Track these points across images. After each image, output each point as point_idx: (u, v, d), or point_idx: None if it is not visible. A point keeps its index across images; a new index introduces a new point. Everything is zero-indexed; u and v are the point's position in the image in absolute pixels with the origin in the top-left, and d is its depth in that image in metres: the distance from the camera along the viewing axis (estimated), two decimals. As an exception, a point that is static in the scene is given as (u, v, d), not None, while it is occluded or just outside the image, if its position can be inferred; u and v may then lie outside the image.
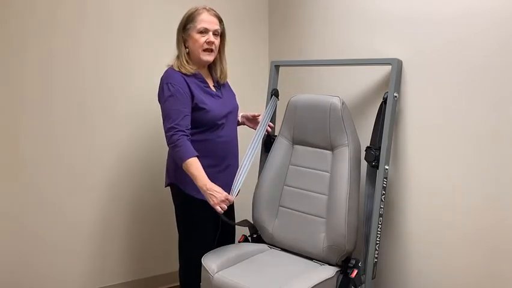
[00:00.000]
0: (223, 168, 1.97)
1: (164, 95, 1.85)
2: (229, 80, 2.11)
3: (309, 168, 2.04)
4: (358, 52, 2.17)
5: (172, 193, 2.02)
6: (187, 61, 1.92)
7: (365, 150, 1.96)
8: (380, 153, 1.92)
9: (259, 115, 2.19)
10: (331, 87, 2.32)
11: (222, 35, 1.98)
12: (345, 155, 1.92)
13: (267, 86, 2.38)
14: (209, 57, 1.93)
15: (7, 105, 2.13)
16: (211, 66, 2.03)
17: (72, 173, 2.31)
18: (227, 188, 1.89)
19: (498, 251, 1.68)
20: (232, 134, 2.03)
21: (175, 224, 2.04)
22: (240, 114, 2.16)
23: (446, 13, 1.79)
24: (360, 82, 2.17)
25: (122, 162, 2.44)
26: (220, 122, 1.94)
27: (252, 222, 2.16)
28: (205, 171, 1.89)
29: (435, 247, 1.89)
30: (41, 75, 2.19)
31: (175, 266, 2.12)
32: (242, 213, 2.27)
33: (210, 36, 1.90)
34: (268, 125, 2.21)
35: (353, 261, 1.89)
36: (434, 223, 1.89)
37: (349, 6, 2.21)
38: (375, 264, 1.93)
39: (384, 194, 1.92)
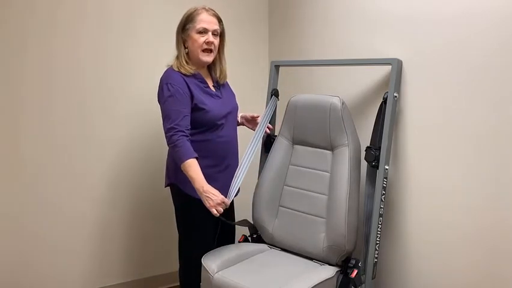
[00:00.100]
0: (223, 168, 1.97)
1: (164, 96, 1.85)
2: (229, 80, 2.11)
3: (309, 168, 2.04)
4: (358, 52, 2.17)
5: (172, 193, 2.02)
6: (186, 61, 1.92)
7: (365, 150, 1.96)
8: (380, 153, 1.92)
9: (258, 116, 2.19)
10: (331, 87, 2.32)
11: (221, 35, 1.98)
12: (345, 155, 1.92)
13: (267, 86, 2.38)
14: (208, 58, 1.93)
15: (7, 105, 2.13)
16: (210, 66, 2.03)
17: (72, 173, 2.31)
18: (227, 188, 1.89)
19: (498, 251, 1.69)
20: (232, 134, 2.03)
21: (175, 224, 2.04)
22: (239, 114, 2.16)
23: (446, 13, 1.79)
24: (360, 82, 2.17)
25: (122, 162, 2.44)
26: (219, 122, 1.93)
27: (252, 222, 2.16)
28: (205, 172, 1.89)
29: (435, 247, 1.89)
30: (41, 75, 2.19)
31: (175, 266, 2.12)
32: (242, 213, 2.27)
33: (209, 37, 1.90)
34: (267, 127, 2.21)
35: (353, 261, 1.89)
36: (434, 223, 1.89)
37: (349, 6, 2.21)
38: (375, 264, 1.93)
39: (384, 194, 1.92)
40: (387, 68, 2.00)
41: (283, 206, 2.09)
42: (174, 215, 2.04)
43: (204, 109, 1.88)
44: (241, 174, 1.92)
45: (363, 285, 1.90)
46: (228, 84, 2.11)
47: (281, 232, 2.07)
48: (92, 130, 2.33)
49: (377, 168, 1.93)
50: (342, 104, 1.95)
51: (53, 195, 2.27)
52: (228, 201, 1.81)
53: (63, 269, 2.34)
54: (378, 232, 1.92)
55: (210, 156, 1.93)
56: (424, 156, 1.91)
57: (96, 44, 2.30)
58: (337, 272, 1.85)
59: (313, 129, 2.02)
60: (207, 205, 1.77)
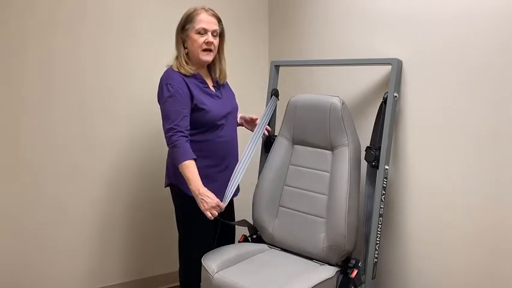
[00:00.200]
0: (223, 169, 1.97)
1: (163, 96, 1.86)
2: (229, 80, 2.11)
3: (309, 168, 2.04)
4: (358, 52, 2.17)
5: (172, 193, 2.02)
6: (186, 62, 1.92)
7: (365, 150, 1.96)
8: (380, 153, 1.92)
9: (257, 118, 2.18)
10: (331, 87, 2.32)
11: (221, 35, 1.98)
12: (345, 155, 1.92)
13: (267, 86, 2.38)
14: (208, 57, 1.93)
15: (7, 105, 2.13)
16: (210, 67, 2.03)
17: (72, 173, 2.31)
18: (226, 188, 1.89)
19: (498, 251, 1.69)
20: (232, 134, 2.03)
21: (175, 224, 2.04)
22: (239, 115, 2.16)
23: (446, 13, 1.79)
24: (360, 82, 2.17)
25: (122, 162, 2.44)
26: (219, 123, 1.93)
27: (251, 222, 2.15)
28: (205, 172, 1.90)
29: (435, 247, 1.89)
30: (41, 75, 2.19)
31: (175, 266, 2.11)
32: (242, 213, 2.27)
33: (209, 37, 1.90)
34: (266, 129, 2.21)
35: (353, 261, 1.89)
36: (434, 223, 1.89)
37: (349, 6, 2.21)
38: (375, 264, 1.93)
39: (384, 194, 1.92)
40: (387, 68, 2.00)
41: (283, 206, 2.09)
42: (174, 215, 2.04)
43: (203, 109, 1.88)
44: (237, 177, 1.92)
45: (363, 285, 1.90)
46: (228, 84, 2.11)
47: (281, 232, 2.07)
48: (92, 130, 2.33)
49: (377, 168, 1.93)
50: (342, 104, 1.95)
51: (53, 195, 2.27)
52: (223, 204, 1.81)
53: (63, 268, 2.34)
54: (378, 232, 1.92)
55: (210, 156, 1.93)
56: (424, 156, 1.91)
57: (96, 44, 2.30)
58: (337, 272, 1.85)
59: (313, 129, 2.02)
60: (202, 208, 1.77)
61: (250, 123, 2.21)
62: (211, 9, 1.94)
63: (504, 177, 1.65)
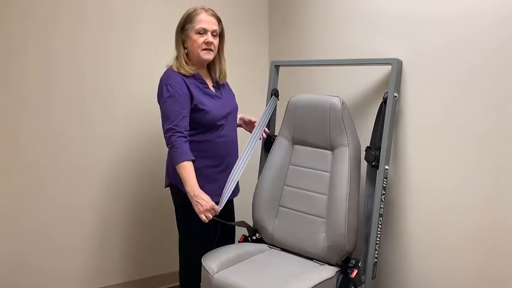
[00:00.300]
0: (223, 169, 1.97)
1: (163, 96, 1.85)
2: (229, 80, 2.11)
3: (309, 168, 2.04)
4: (358, 52, 2.17)
5: (172, 193, 2.02)
6: (186, 62, 1.92)
7: (365, 150, 1.96)
8: (380, 153, 1.92)
9: (255, 121, 2.17)
10: (331, 87, 2.32)
11: (220, 35, 1.98)
12: (345, 155, 1.92)
13: (267, 86, 2.38)
14: (209, 56, 1.93)
15: (7, 105, 2.13)
16: (210, 67, 2.03)
17: (72, 173, 2.31)
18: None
19: (498, 251, 1.68)
20: (232, 134, 2.03)
21: (175, 224, 2.04)
22: (238, 115, 2.15)
23: (446, 13, 1.79)
24: (360, 82, 2.17)
25: (122, 162, 2.44)
26: (219, 123, 1.93)
27: (251, 222, 2.15)
28: (205, 172, 1.90)
29: (435, 247, 1.89)
30: (41, 75, 2.19)
31: (175, 266, 2.11)
32: (242, 213, 2.27)
33: (209, 37, 1.89)
34: (264, 131, 2.21)
35: (353, 261, 1.89)
36: (434, 223, 1.89)
37: (349, 6, 2.21)
38: (375, 264, 1.93)
39: (384, 194, 1.92)
40: (387, 68, 2.00)
41: (283, 206, 2.09)
42: (174, 215, 2.04)
43: (203, 110, 1.88)
44: (234, 179, 1.92)
45: (363, 285, 1.90)
46: (228, 85, 2.11)
47: (281, 232, 2.07)
48: (92, 130, 2.33)
49: (377, 168, 1.93)
50: (342, 104, 1.95)
51: (53, 195, 2.27)
52: (218, 208, 1.81)
53: (63, 268, 2.34)
54: (378, 232, 1.92)
55: (210, 156, 1.93)
56: (424, 156, 1.91)
57: (96, 44, 2.30)
58: (337, 272, 1.85)
59: (313, 129, 2.02)
60: (197, 210, 1.77)
61: (249, 125, 2.21)
62: (211, 9, 1.94)
63: (504, 177, 1.65)
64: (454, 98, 1.79)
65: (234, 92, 2.13)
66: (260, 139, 2.15)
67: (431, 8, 1.85)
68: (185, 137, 1.82)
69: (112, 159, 2.41)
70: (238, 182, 2.03)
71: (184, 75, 1.89)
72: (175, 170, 1.87)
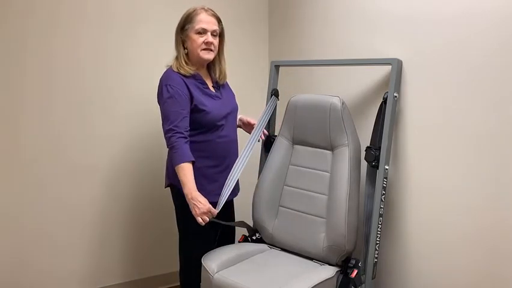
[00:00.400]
0: (223, 169, 1.97)
1: (163, 97, 1.85)
2: (229, 80, 2.11)
3: (309, 168, 2.04)
4: (358, 52, 2.17)
5: (172, 193, 2.02)
6: (186, 62, 1.92)
7: (365, 150, 1.96)
8: (380, 153, 1.92)
9: (255, 123, 2.17)
10: (331, 87, 2.32)
11: (220, 35, 1.98)
12: (345, 155, 1.92)
13: (267, 86, 2.38)
14: (209, 56, 1.93)
15: (7, 105, 2.13)
16: (210, 67, 2.03)
17: (72, 173, 2.31)
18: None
19: (498, 251, 1.68)
20: (232, 134, 2.03)
21: (175, 224, 2.04)
22: (238, 116, 2.15)
23: (446, 13, 1.79)
24: (360, 82, 2.17)
25: (122, 162, 2.44)
26: (219, 123, 1.93)
27: (251, 222, 2.15)
28: (206, 172, 1.90)
29: (435, 247, 1.89)
30: (41, 75, 2.19)
31: (175, 266, 2.12)
32: (242, 213, 2.27)
33: (208, 37, 1.89)
34: (263, 132, 2.21)
35: (353, 261, 1.89)
36: (434, 223, 1.89)
37: (349, 6, 2.21)
38: (375, 264, 1.93)
39: (384, 194, 1.92)
40: (387, 68, 2.00)
41: (283, 206, 2.09)
42: (174, 215, 2.04)
43: (204, 110, 1.88)
44: (232, 181, 1.91)
45: (363, 285, 1.90)
46: (228, 85, 2.11)
47: (281, 232, 2.06)
48: (92, 130, 2.33)
49: (377, 168, 1.93)
50: (342, 104, 1.95)
51: (53, 195, 2.27)
52: (214, 211, 1.80)
53: (63, 268, 2.34)
54: (378, 232, 1.92)
55: (211, 156, 1.93)
56: (424, 156, 1.91)
57: (96, 44, 2.30)
58: (337, 272, 1.85)
59: (313, 129, 2.02)
60: (193, 213, 1.77)
61: (248, 127, 2.21)
62: (211, 9, 1.94)
63: (504, 177, 1.65)
64: (454, 98, 1.79)
65: (234, 92, 2.12)
66: (259, 141, 2.15)
67: (431, 8, 1.85)
68: (186, 137, 1.82)
69: (112, 159, 2.41)
70: (238, 181, 2.04)
71: (184, 76, 1.89)
72: (175, 170, 1.87)
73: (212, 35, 1.91)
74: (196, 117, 1.88)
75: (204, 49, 1.90)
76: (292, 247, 2.03)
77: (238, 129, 2.15)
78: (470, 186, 1.75)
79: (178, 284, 2.10)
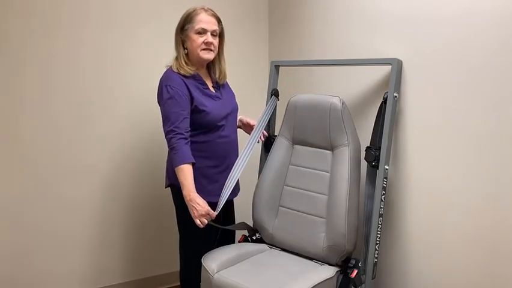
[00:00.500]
0: (223, 169, 1.97)
1: (163, 98, 1.85)
2: (229, 80, 2.11)
3: (309, 168, 2.04)
4: (358, 52, 2.17)
5: (172, 193, 2.02)
6: (185, 62, 1.91)
7: (365, 150, 1.96)
8: (380, 153, 1.92)
9: (254, 124, 2.17)
10: (331, 87, 2.32)
11: (220, 35, 1.97)
12: (345, 155, 1.92)
13: (267, 86, 2.38)
14: (209, 56, 1.93)
15: (7, 105, 2.13)
16: (209, 67, 2.03)
17: (72, 173, 2.31)
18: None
19: (498, 251, 1.69)
20: (233, 134, 2.03)
21: (175, 224, 2.04)
22: (238, 117, 2.15)
23: (446, 13, 1.79)
24: (360, 82, 2.17)
25: (122, 162, 2.44)
26: (220, 124, 1.93)
27: (251, 222, 2.15)
28: (207, 172, 1.90)
29: (435, 247, 1.89)
30: (42, 75, 2.19)
31: (175, 266, 2.12)
32: (242, 213, 2.27)
33: (208, 37, 1.89)
34: (263, 133, 2.21)
35: (353, 261, 1.89)
36: (434, 223, 1.89)
37: (349, 6, 2.21)
38: (375, 264, 1.93)
39: (384, 194, 1.92)
40: (387, 68, 2.00)
41: (283, 206, 2.09)
42: (174, 215, 2.04)
43: (204, 111, 1.88)
44: (231, 182, 1.91)
45: (363, 285, 1.90)
46: (228, 85, 2.11)
47: (281, 232, 2.07)
48: (92, 130, 2.33)
49: (377, 168, 1.93)
50: (342, 104, 1.95)
51: (53, 194, 2.27)
52: (213, 213, 1.80)
53: (63, 268, 2.34)
54: (378, 232, 1.92)
55: (211, 156, 1.93)
56: (424, 156, 1.91)
57: (96, 44, 2.30)
58: (337, 272, 1.85)
59: (313, 129, 2.02)
60: (192, 215, 1.77)
61: (248, 128, 2.21)
62: (211, 9, 1.94)
63: (504, 177, 1.65)
64: (454, 98, 1.79)
65: (234, 91, 2.12)
66: (258, 142, 2.15)
67: (431, 8, 1.85)
68: (186, 138, 1.82)
69: (112, 159, 2.41)
70: (238, 181, 2.04)
71: (184, 76, 1.89)
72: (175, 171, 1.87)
73: (212, 35, 1.91)
74: (196, 117, 1.87)
75: (203, 49, 1.90)
76: (292, 247, 2.03)
77: (238, 129, 2.15)
78: (470, 186, 1.75)
79: (178, 284, 2.10)
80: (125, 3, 2.35)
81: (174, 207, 2.03)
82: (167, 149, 1.88)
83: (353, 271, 1.86)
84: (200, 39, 1.88)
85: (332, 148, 1.99)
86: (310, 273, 1.79)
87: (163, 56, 2.04)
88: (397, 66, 1.92)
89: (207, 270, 1.82)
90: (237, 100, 2.10)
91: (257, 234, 2.16)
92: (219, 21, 1.95)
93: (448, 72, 1.81)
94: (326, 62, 2.25)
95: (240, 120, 2.20)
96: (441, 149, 1.85)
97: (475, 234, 1.75)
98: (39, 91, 2.20)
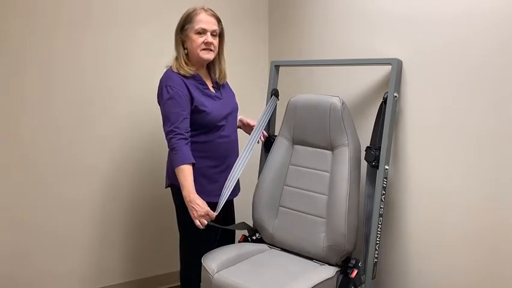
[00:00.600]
0: (224, 169, 1.97)
1: (163, 98, 1.85)
2: (229, 80, 2.11)
3: (309, 168, 2.04)
4: (358, 52, 2.17)
5: (172, 193, 2.02)
6: (185, 62, 1.91)
7: (365, 150, 1.96)
8: (380, 153, 1.92)
9: (254, 125, 2.17)
10: (331, 87, 2.32)
11: (220, 35, 1.97)
12: (345, 155, 1.92)
13: (267, 86, 2.38)
14: (209, 56, 1.93)
15: (7, 104, 2.13)
16: (209, 67, 2.03)
17: (72, 173, 2.31)
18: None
19: (498, 251, 1.69)
20: (233, 134, 2.03)
21: (176, 224, 2.04)
22: (238, 116, 2.15)
23: (446, 13, 1.79)
24: (360, 82, 2.17)
25: (122, 162, 2.44)
26: (220, 124, 1.93)
27: (251, 222, 2.15)
28: (207, 172, 1.91)
29: (435, 247, 1.89)
30: (42, 75, 2.19)
31: (175, 266, 2.12)
32: (242, 213, 2.27)
33: (208, 37, 1.89)
34: (262, 133, 2.21)
35: (353, 261, 1.89)
36: (434, 223, 1.89)
37: (349, 6, 2.21)
38: (375, 264, 1.93)
39: (384, 194, 1.92)
40: (387, 68, 2.00)
41: (283, 206, 2.09)
42: (175, 215, 2.04)
43: (204, 111, 1.88)
44: (231, 183, 1.91)
45: (363, 285, 1.90)
46: (228, 84, 2.11)
47: (281, 232, 2.07)
48: (92, 130, 2.33)
49: (377, 168, 1.93)
50: (342, 104, 1.95)
51: (53, 194, 2.27)
52: (213, 214, 1.79)
53: (63, 268, 2.34)
54: (378, 232, 1.92)
55: (211, 156, 1.93)
56: (424, 156, 1.91)
57: (96, 44, 2.30)
58: (337, 272, 1.85)
59: (313, 129, 2.02)
60: (191, 216, 1.77)
61: (248, 128, 2.21)
62: (211, 9, 1.94)
63: (504, 177, 1.65)
64: (454, 98, 1.79)
65: (234, 91, 2.12)
66: (258, 142, 2.15)
67: (431, 8, 1.85)
68: (186, 138, 1.82)
69: (112, 159, 2.41)
70: (238, 181, 2.04)
71: (184, 76, 1.89)
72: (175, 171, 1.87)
73: (212, 35, 1.91)
74: (196, 118, 1.87)
75: (203, 49, 1.90)
76: (293, 247, 2.03)
77: (238, 129, 2.15)
78: (470, 186, 1.75)
79: (178, 284, 2.10)
80: (125, 3, 2.35)
81: (174, 207, 2.03)
82: (167, 149, 1.88)
83: (353, 271, 1.86)
84: (200, 39, 1.88)
85: (332, 148, 1.99)
86: (310, 273, 1.79)
87: (163, 56, 2.04)
88: (397, 66, 1.92)
89: (207, 270, 1.82)
90: (237, 100, 2.10)
91: (257, 234, 2.16)
92: (218, 21, 1.95)
93: (448, 72, 1.81)
94: (326, 62, 2.25)
95: (240, 121, 2.20)
96: (441, 149, 1.85)
97: (475, 234, 1.75)
98: (39, 91, 2.20)
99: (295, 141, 2.11)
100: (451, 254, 1.84)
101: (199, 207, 1.75)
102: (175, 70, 1.90)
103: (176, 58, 1.93)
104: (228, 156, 1.98)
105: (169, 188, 2.03)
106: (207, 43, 1.89)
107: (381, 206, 1.91)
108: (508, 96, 1.62)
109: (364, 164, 1.99)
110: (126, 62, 2.39)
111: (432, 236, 1.90)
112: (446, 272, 1.86)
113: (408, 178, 1.98)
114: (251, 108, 2.45)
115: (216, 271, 1.82)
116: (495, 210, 1.68)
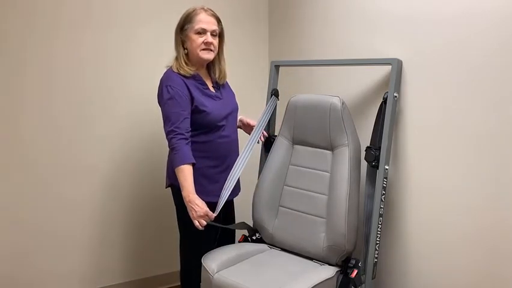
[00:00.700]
0: (224, 169, 1.97)
1: (163, 98, 1.85)
2: (229, 80, 2.11)
3: (309, 168, 2.04)
4: (358, 52, 2.17)
5: (172, 193, 2.02)
6: (185, 62, 1.91)
7: (365, 150, 1.96)
8: (380, 153, 1.92)
9: (254, 125, 2.17)
10: (331, 87, 2.32)
11: (220, 35, 1.97)
12: (345, 155, 1.92)
13: (267, 86, 2.38)
14: (209, 56, 1.93)
15: (7, 104, 2.13)
16: (209, 67, 2.03)
17: (72, 173, 2.31)
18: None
19: (498, 251, 1.69)
20: (233, 134, 2.03)
21: (176, 224, 2.04)
22: (238, 116, 2.15)
23: (446, 13, 1.79)
24: (360, 82, 2.17)
25: (122, 162, 2.44)
26: (220, 124, 1.93)
27: (251, 222, 2.15)
28: (207, 172, 1.90)
29: (435, 247, 1.89)
30: (42, 75, 2.19)
31: (175, 266, 2.12)
32: (242, 213, 2.27)
33: (208, 37, 1.89)
34: (262, 133, 2.20)
35: (353, 261, 1.89)
36: (434, 223, 1.89)
37: (349, 6, 2.21)
38: (375, 264, 1.93)
39: (384, 194, 1.92)
40: (387, 68, 2.00)
41: (283, 206, 2.09)
42: (175, 215, 2.04)
43: (204, 111, 1.88)
44: (231, 184, 1.91)
45: (363, 285, 1.90)
46: (228, 84, 2.11)
47: (281, 232, 2.07)
48: (92, 130, 2.33)
49: (377, 168, 1.93)
50: (342, 104, 1.95)
51: (53, 194, 2.27)
52: (212, 214, 1.79)
53: (63, 268, 2.34)
54: (378, 232, 1.92)
55: (212, 156, 1.93)
56: (424, 156, 1.91)
57: (96, 44, 2.30)
58: (337, 272, 1.85)
59: (314, 129, 2.02)
60: (191, 216, 1.77)
61: (248, 128, 2.21)
62: (211, 9, 1.94)
63: (504, 177, 1.65)
64: (454, 98, 1.79)
65: (234, 91, 2.12)
66: (258, 142, 2.15)
67: (431, 8, 1.85)
68: (187, 138, 1.82)
69: (112, 159, 2.41)
70: (239, 181, 2.04)
71: (184, 76, 1.89)
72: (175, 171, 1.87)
73: (212, 35, 1.91)
74: (196, 118, 1.87)
75: (203, 49, 1.90)
76: (293, 247, 2.03)
77: (238, 129, 2.15)
78: (470, 186, 1.75)
79: (178, 284, 2.10)
80: (125, 3, 2.35)
81: (174, 207, 2.03)
82: (167, 149, 1.88)
83: (353, 271, 1.86)
84: (200, 39, 1.88)
85: (332, 148, 1.99)
86: (310, 273, 1.79)
87: (163, 56, 2.04)
88: (397, 66, 1.92)
89: (207, 270, 1.82)
90: (237, 100, 2.10)
91: (257, 234, 2.16)
92: (218, 21, 1.95)
93: (448, 72, 1.81)
94: (326, 62, 2.25)
95: (240, 121, 2.20)
96: (441, 149, 1.85)
97: (475, 234, 1.75)
98: (39, 91, 2.20)
99: (295, 141, 2.11)
100: (451, 254, 1.84)
101: (198, 208, 1.75)
102: (175, 70, 1.90)
103: (176, 58, 1.93)
104: (228, 156, 1.98)
105: (169, 188, 2.03)
106: (206, 43, 1.89)
107: (381, 206, 1.91)
108: (508, 96, 1.62)
109: (364, 164, 1.99)
110: (126, 62, 2.39)
111: (432, 236, 1.90)
112: (446, 272, 1.86)
113: (408, 178, 1.98)
114: (251, 108, 2.45)
115: (216, 271, 1.82)
116: (495, 210, 1.68)
